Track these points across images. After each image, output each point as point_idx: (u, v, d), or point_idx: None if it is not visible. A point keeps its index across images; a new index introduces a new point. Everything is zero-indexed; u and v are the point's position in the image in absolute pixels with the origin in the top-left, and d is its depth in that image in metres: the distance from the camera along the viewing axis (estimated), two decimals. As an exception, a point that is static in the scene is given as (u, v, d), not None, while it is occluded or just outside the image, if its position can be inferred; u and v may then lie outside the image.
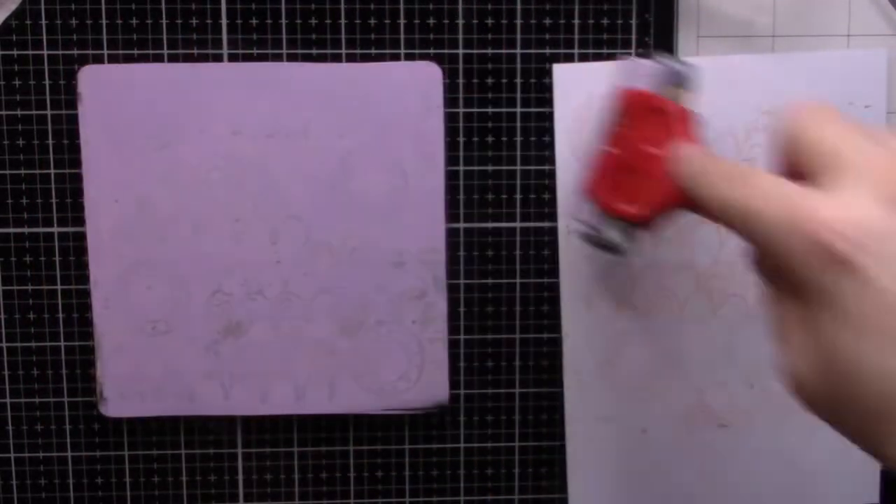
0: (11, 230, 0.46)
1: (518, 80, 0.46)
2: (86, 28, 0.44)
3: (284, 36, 0.45)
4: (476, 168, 0.47)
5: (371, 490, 0.49)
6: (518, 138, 0.47)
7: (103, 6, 0.44)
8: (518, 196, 0.47)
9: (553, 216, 0.47)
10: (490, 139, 0.46)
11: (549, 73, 0.46)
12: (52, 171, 0.45)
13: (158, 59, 0.45)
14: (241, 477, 0.48)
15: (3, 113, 0.45)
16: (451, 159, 0.46)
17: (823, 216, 0.29)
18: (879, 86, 0.46)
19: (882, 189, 0.29)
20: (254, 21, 0.45)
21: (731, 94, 0.46)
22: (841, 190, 0.29)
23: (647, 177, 0.38)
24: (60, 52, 0.44)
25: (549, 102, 0.46)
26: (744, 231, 0.32)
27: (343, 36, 0.45)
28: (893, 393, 0.28)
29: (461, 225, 0.47)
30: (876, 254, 0.28)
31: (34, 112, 0.45)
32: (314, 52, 0.45)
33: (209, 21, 0.45)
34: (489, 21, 0.46)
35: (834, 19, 0.47)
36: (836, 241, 0.28)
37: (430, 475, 0.49)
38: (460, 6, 0.46)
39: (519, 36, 0.46)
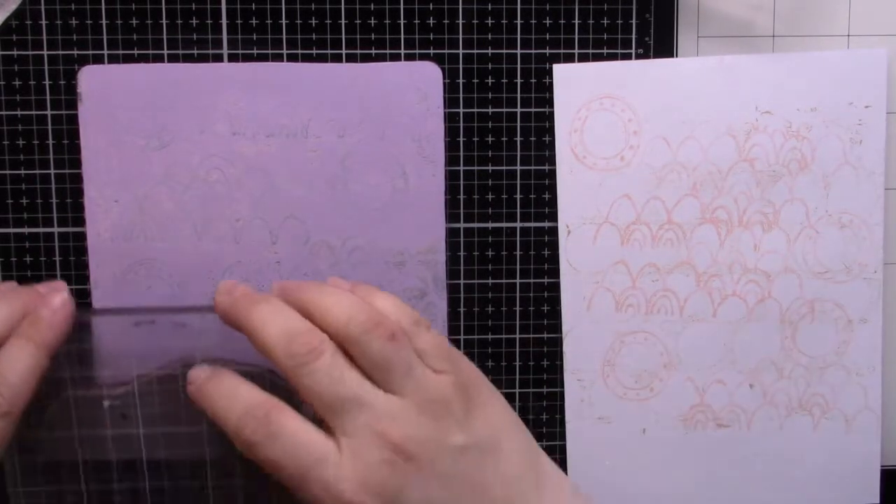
0: (11, 230, 0.46)
1: (518, 80, 0.46)
2: (86, 28, 0.44)
3: (284, 36, 0.45)
4: (476, 168, 0.47)
5: (371, 490, 0.48)
6: (518, 138, 0.47)
7: (103, 6, 0.44)
8: (518, 196, 0.47)
9: (553, 216, 0.47)
10: (490, 139, 0.46)
11: (549, 73, 0.46)
12: (52, 171, 0.45)
13: (158, 59, 0.45)
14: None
15: (3, 113, 0.45)
16: (451, 159, 0.46)
17: (353, 486, 0.35)
18: (879, 86, 0.46)
19: (376, 452, 0.36)
20: (254, 21, 0.45)
21: (731, 94, 0.46)
22: (350, 453, 0.36)
23: None
24: (60, 52, 0.44)
25: (549, 102, 0.46)
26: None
27: (343, 36, 0.45)
28: None
29: (461, 225, 0.47)
30: (395, 500, 0.35)
31: (34, 112, 0.45)
32: (314, 52, 0.45)
33: (209, 21, 0.45)
34: (489, 21, 0.46)
35: (834, 19, 0.47)
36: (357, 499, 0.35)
37: (430, 475, 0.48)
38: (460, 6, 0.46)
39: (519, 36, 0.46)
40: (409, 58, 0.46)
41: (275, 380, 0.41)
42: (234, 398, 0.37)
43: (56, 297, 0.39)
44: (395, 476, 0.36)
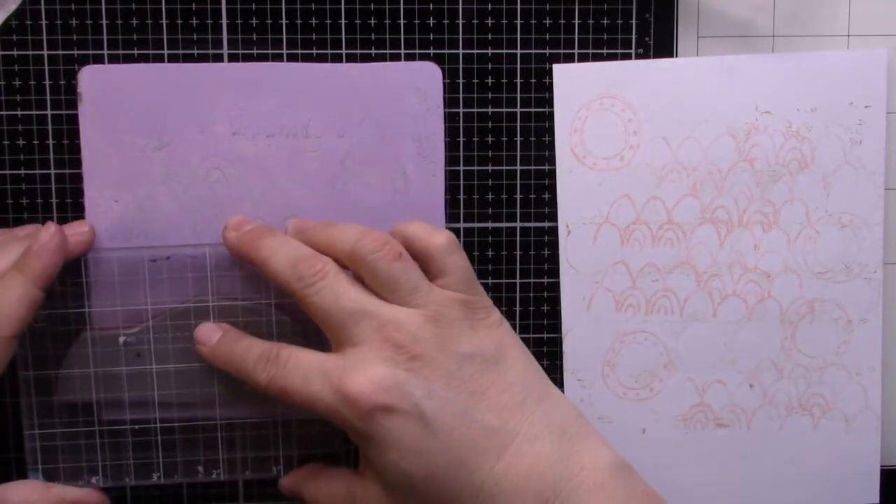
0: (11, 230, 0.46)
1: (518, 80, 0.46)
2: (86, 28, 0.45)
3: (284, 36, 0.45)
4: (476, 168, 0.47)
5: (371, 490, 0.48)
6: (518, 138, 0.47)
7: (103, 6, 0.44)
8: (518, 196, 0.47)
9: (553, 216, 0.47)
10: (490, 139, 0.46)
11: (549, 73, 0.46)
12: (52, 171, 0.45)
13: (158, 59, 0.45)
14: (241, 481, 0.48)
15: (3, 113, 0.45)
16: (451, 159, 0.46)
17: (357, 380, 0.37)
18: (879, 86, 0.46)
19: (381, 352, 0.38)
20: (254, 21, 0.45)
21: (731, 94, 0.46)
22: (355, 357, 0.38)
23: None
24: (60, 52, 0.45)
25: (549, 102, 0.46)
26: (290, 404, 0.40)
27: (343, 36, 0.45)
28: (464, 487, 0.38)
29: (461, 225, 0.47)
30: (399, 397, 0.38)
31: (34, 112, 0.45)
32: (314, 52, 0.45)
33: (209, 21, 0.45)
34: (489, 21, 0.46)
35: (834, 19, 0.47)
36: (376, 395, 0.37)
37: (430, 475, 0.48)
38: (460, 6, 0.46)
39: (519, 36, 0.46)
40: (409, 58, 0.46)
41: (278, 314, 0.44)
42: (246, 351, 0.41)
43: (44, 232, 0.41)
44: (399, 371, 0.38)
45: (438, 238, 0.41)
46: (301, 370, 0.39)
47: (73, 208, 0.45)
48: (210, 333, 0.42)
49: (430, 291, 0.40)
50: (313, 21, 0.45)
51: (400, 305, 0.39)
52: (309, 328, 0.42)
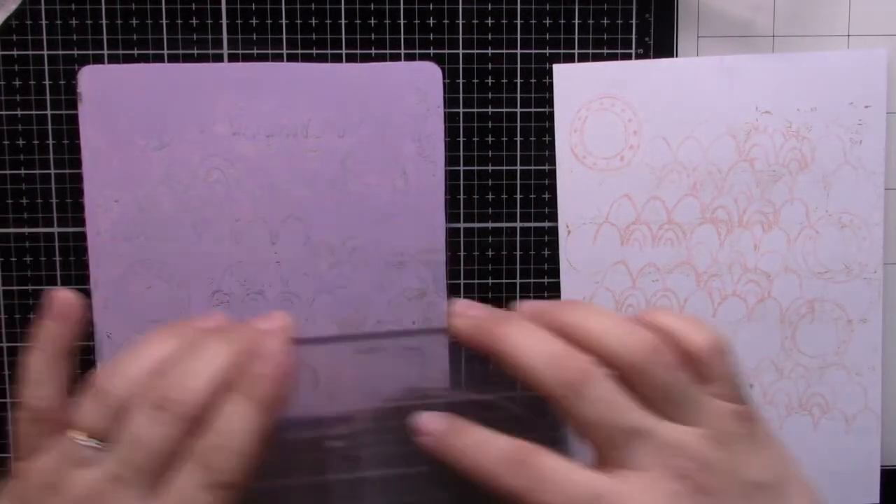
0: (11, 230, 0.46)
1: (518, 80, 0.46)
2: (86, 28, 0.45)
3: (284, 36, 0.45)
4: (476, 168, 0.47)
5: (371, 490, 0.48)
6: (518, 138, 0.47)
7: (103, 6, 0.44)
8: (518, 196, 0.47)
9: (553, 216, 0.47)
10: (490, 139, 0.46)
11: (549, 73, 0.46)
12: (52, 171, 0.45)
13: (158, 59, 0.45)
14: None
15: (3, 113, 0.45)
16: (451, 159, 0.46)
17: None
18: (879, 86, 0.46)
19: (664, 483, 0.32)
20: (254, 21, 0.45)
21: (731, 94, 0.46)
22: (636, 486, 0.32)
23: None
24: (60, 52, 0.45)
25: (549, 102, 0.46)
26: None
27: (343, 36, 0.45)
28: None
29: (461, 225, 0.47)
30: None
31: (34, 112, 0.45)
32: (314, 52, 0.45)
33: (209, 21, 0.45)
34: (489, 21, 0.46)
35: (834, 19, 0.47)
36: None
37: (431, 475, 0.48)
38: (460, 6, 0.46)
39: (519, 36, 0.46)
40: (409, 58, 0.46)
41: (516, 410, 0.38)
42: (483, 446, 0.34)
43: (273, 341, 0.34)
44: None
45: (706, 338, 0.35)
46: (563, 489, 0.32)
47: (73, 208, 0.45)
48: (435, 422, 0.35)
49: (711, 404, 0.34)
50: (313, 21, 0.45)
51: (675, 422, 0.33)
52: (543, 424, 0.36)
